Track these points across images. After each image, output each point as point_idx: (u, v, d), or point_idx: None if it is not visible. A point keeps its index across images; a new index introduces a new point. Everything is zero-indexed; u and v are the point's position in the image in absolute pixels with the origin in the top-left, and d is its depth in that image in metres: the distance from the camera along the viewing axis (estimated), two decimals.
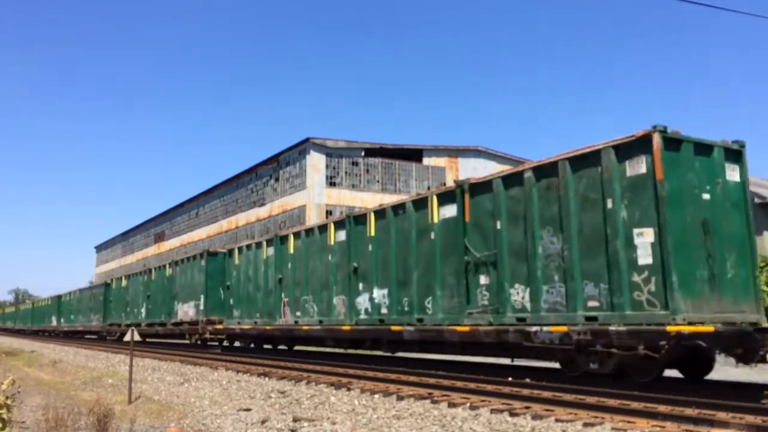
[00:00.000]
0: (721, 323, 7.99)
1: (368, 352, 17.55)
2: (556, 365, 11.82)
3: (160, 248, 65.65)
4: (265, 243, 18.27)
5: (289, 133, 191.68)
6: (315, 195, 41.73)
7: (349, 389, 10.79)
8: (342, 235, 14.57)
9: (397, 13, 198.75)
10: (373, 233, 13.52)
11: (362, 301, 13.71)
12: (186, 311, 23.69)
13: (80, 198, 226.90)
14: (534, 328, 9.35)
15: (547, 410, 7.82)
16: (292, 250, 16.72)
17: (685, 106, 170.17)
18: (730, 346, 8.37)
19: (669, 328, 7.62)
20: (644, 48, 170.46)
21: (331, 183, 42.69)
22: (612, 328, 8.29)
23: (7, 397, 6.05)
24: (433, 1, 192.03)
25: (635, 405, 7.50)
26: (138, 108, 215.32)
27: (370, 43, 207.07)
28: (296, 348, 20.64)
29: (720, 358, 9.92)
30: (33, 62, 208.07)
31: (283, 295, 16.91)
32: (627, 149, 8.52)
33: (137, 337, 12.72)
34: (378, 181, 44.26)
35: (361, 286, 13.81)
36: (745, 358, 8.45)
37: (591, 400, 8.07)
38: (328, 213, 40.11)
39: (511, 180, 10.24)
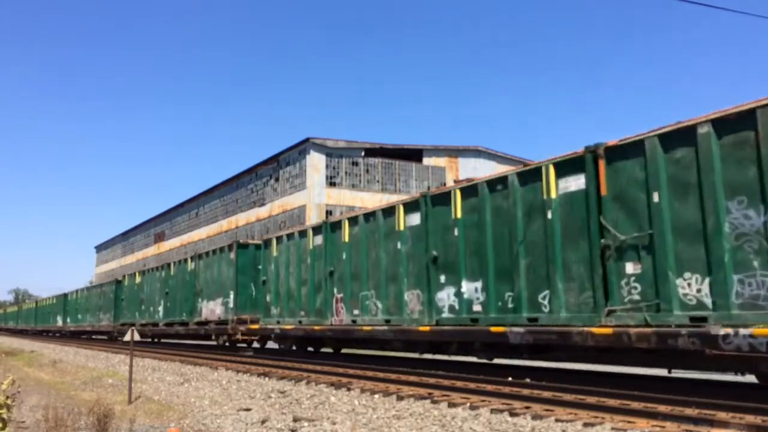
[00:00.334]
0: None
1: (371, 352, 17.42)
2: (558, 365, 11.81)
3: (160, 248, 65.67)
4: (311, 231, 16.02)
5: (289, 133, 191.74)
6: (315, 195, 41.73)
7: (349, 389, 10.79)
8: (415, 219, 12.39)
9: (397, 13, 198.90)
10: (459, 215, 11.29)
11: (445, 297, 11.52)
12: (212, 309, 21.62)
13: (80, 198, 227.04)
14: (724, 331, 7.21)
15: (547, 410, 7.81)
16: (346, 238, 14.46)
17: (685, 105, 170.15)
18: None
19: None
20: (644, 48, 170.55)
21: (331, 183, 42.69)
22: None
23: (7, 397, 6.05)
24: (433, 1, 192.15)
25: (635, 405, 7.49)
26: (138, 108, 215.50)
27: (370, 43, 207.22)
28: (355, 352, 17.99)
29: None
30: (33, 62, 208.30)
31: (335, 291, 14.80)
32: None
33: (137, 337, 12.71)
34: (378, 181, 44.27)
35: (443, 278, 11.59)
36: None
37: (591, 400, 8.06)
38: (328, 213, 40.11)
39: (676, 139, 8.00)
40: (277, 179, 45.84)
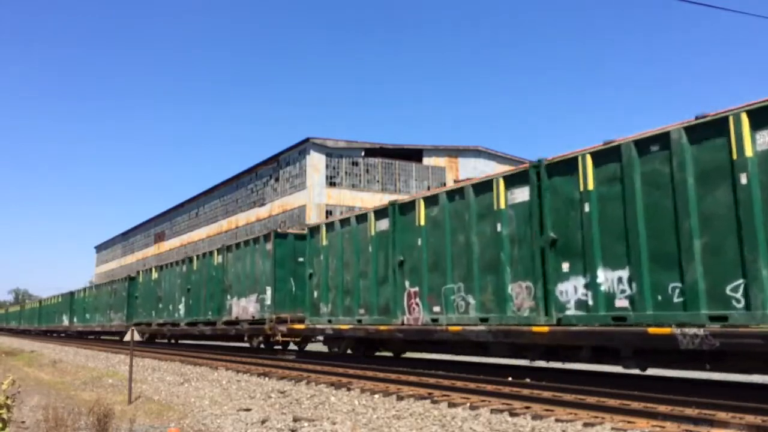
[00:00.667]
0: None
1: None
2: (558, 365, 11.78)
3: (160, 248, 65.67)
4: (372, 215, 13.84)
5: (289, 133, 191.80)
6: (315, 195, 41.74)
7: (349, 389, 10.79)
8: (522, 194, 10.17)
9: (397, 13, 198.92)
10: (590, 185, 9.10)
11: (570, 290, 9.37)
12: (244, 307, 19.43)
13: (80, 198, 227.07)
14: None
15: (547, 410, 7.82)
16: (422, 221, 12.32)
17: (685, 105, 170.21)
18: None
19: None
20: (644, 48, 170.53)
21: (331, 183, 42.70)
22: None
23: (7, 397, 6.05)
24: (433, 1, 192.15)
25: (635, 405, 7.50)
26: (138, 108, 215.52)
27: (370, 43, 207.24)
28: (434, 357, 15.33)
29: None
30: (33, 62, 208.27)
31: (407, 284, 12.62)
32: None
33: (137, 337, 12.72)
34: (378, 181, 44.27)
35: (566, 266, 9.46)
36: None
37: (591, 400, 8.07)
38: (328, 213, 40.14)
39: None
40: (277, 179, 45.84)
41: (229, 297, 20.59)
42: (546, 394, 8.75)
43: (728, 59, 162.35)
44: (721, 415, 6.69)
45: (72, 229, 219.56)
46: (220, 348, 25.64)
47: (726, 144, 7.55)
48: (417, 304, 12.37)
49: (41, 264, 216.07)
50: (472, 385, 10.03)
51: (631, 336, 8.27)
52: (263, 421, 8.45)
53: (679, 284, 7.92)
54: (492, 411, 8.08)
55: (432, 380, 10.90)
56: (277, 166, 45.84)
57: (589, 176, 9.14)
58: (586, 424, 6.95)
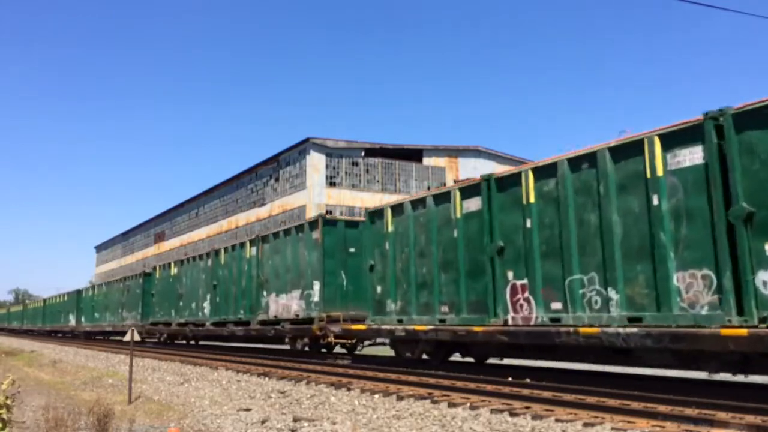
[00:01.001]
0: None
1: (374, 353, 17.10)
2: (558, 365, 11.76)
3: (160, 248, 65.68)
4: (458, 194, 11.60)
5: (289, 133, 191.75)
6: (315, 195, 41.74)
7: (349, 389, 10.79)
8: (691, 156, 7.98)
9: (397, 13, 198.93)
10: None
11: None
12: (285, 305, 17.24)
13: (80, 198, 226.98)
14: None
15: (547, 410, 7.82)
16: (531, 199, 10.07)
17: (685, 105, 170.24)
18: None
19: None
20: (644, 48, 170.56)
21: (331, 183, 42.70)
22: None
23: (7, 397, 6.05)
24: (433, 1, 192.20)
25: (635, 405, 7.50)
26: (138, 108, 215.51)
27: (370, 43, 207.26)
28: (552, 365, 12.20)
29: None
30: (33, 62, 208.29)
31: (510, 276, 10.38)
32: None
33: (137, 337, 12.70)
34: (378, 181, 44.27)
35: None
36: None
37: (591, 400, 8.07)
38: (328, 213, 40.15)
39: None
40: (277, 179, 45.85)
41: (265, 293, 18.44)
42: (546, 394, 8.75)
43: (728, 59, 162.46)
44: (721, 415, 6.69)
45: (72, 229, 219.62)
46: (252, 351, 23.48)
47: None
48: (526, 300, 10.08)
49: (41, 264, 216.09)
50: (472, 385, 10.03)
51: None
52: (263, 421, 8.46)
53: None
54: (492, 411, 8.08)
55: (432, 380, 10.89)
56: (277, 166, 45.85)
57: None
58: (586, 424, 6.95)
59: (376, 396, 10.01)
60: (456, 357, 13.41)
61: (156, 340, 29.19)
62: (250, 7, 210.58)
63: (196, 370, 16.34)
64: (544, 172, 9.95)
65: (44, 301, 55.33)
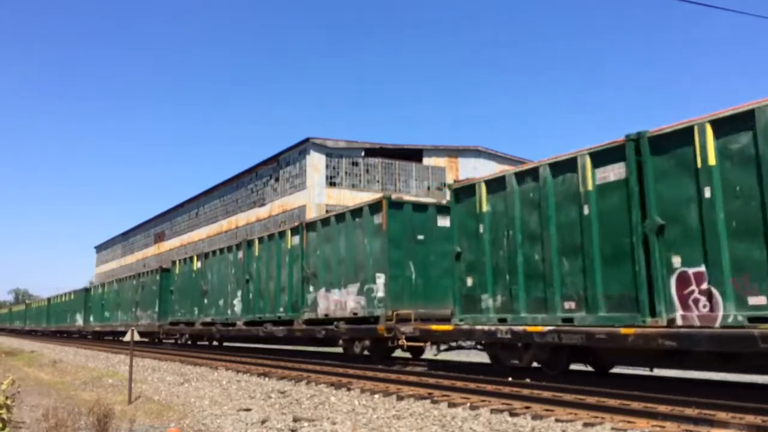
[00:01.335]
0: None
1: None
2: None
3: (160, 248, 65.68)
4: (587, 160, 9.43)
5: (289, 133, 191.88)
6: (315, 195, 41.74)
7: (349, 389, 10.79)
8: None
9: (397, 13, 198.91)
10: None
11: None
12: (339, 301, 15.17)
13: (80, 198, 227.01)
14: None
15: (547, 410, 7.82)
16: (711, 159, 7.93)
17: (685, 105, 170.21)
18: None
19: None
20: (644, 48, 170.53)
21: (331, 183, 42.70)
22: None
23: (7, 397, 6.05)
24: (433, 1, 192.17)
25: (635, 405, 7.50)
26: (138, 108, 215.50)
27: (370, 43, 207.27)
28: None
29: None
30: (33, 62, 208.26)
31: (675, 262, 8.27)
32: None
33: (137, 337, 12.70)
34: (378, 181, 44.27)
35: None
36: None
37: (591, 400, 8.07)
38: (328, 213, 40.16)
39: None
40: (277, 179, 45.85)
41: (312, 288, 16.26)
42: (546, 394, 8.75)
43: (728, 59, 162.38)
44: (721, 415, 6.69)
45: (72, 229, 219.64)
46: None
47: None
48: (705, 294, 7.92)
49: (41, 264, 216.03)
50: (472, 385, 10.03)
51: None
52: (263, 421, 8.45)
53: None
54: (492, 411, 8.08)
55: (432, 380, 10.90)
56: (277, 166, 45.84)
57: None
58: (586, 424, 6.95)
59: (376, 396, 10.01)
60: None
61: (175, 341, 27.01)
62: (250, 7, 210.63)
63: (196, 370, 16.34)
64: (732, 124, 7.71)
65: (48, 300, 53.19)
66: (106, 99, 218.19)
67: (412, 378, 11.45)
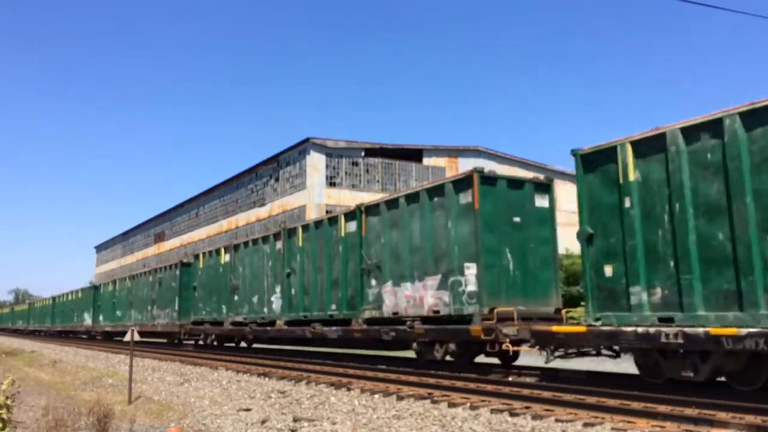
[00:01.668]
0: None
1: (369, 352, 16.94)
2: (558, 366, 11.68)
3: (160, 248, 65.68)
4: None
5: (289, 133, 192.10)
6: (315, 195, 41.74)
7: (349, 389, 10.79)
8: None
9: (397, 13, 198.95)
10: None
11: None
12: (413, 297, 12.81)
13: (80, 198, 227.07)
14: None
15: (547, 410, 7.82)
16: None
17: (685, 105, 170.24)
18: None
19: None
20: (644, 48, 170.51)
21: (331, 183, 42.70)
22: None
23: (7, 397, 6.05)
24: (433, 1, 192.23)
25: (635, 405, 7.50)
26: (138, 108, 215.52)
27: (370, 43, 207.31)
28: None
29: None
30: (33, 62, 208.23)
31: None
32: None
33: (137, 337, 12.70)
34: (378, 181, 44.27)
35: None
36: None
37: (591, 400, 8.07)
38: (328, 213, 40.16)
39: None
40: (277, 179, 45.84)
41: (374, 282, 14.05)
42: (546, 394, 8.75)
43: (728, 59, 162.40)
44: (721, 415, 6.69)
45: (72, 229, 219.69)
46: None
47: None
48: None
49: (41, 264, 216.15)
50: (472, 385, 10.03)
51: None
52: (263, 421, 8.46)
53: None
54: (492, 411, 8.08)
55: (432, 380, 10.89)
56: (277, 166, 45.84)
57: None
58: (586, 424, 6.95)
59: (376, 396, 10.01)
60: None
61: (196, 342, 24.94)
62: (250, 7, 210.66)
63: (196, 370, 16.34)
64: None
65: (53, 298, 50.78)
66: (106, 99, 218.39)
67: (412, 378, 11.45)
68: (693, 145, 8.25)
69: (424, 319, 12.43)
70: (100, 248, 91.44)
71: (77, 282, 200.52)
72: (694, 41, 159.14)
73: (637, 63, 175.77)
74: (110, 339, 35.41)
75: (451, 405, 8.77)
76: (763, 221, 7.47)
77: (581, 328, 9.35)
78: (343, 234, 15.29)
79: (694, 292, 8.05)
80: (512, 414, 7.85)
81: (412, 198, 13.20)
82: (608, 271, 9.21)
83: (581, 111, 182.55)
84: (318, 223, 16.56)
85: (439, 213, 12.40)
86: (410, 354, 14.26)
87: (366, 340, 14.76)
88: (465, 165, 46.96)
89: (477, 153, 48.46)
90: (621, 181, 9.06)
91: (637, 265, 8.74)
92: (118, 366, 19.15)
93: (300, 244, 17.20)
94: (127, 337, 12.52)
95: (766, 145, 7.51)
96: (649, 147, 8.78)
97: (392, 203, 13.81)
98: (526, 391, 9.08)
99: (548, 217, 12.36)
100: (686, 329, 7.82)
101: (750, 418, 6.50)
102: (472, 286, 11.49)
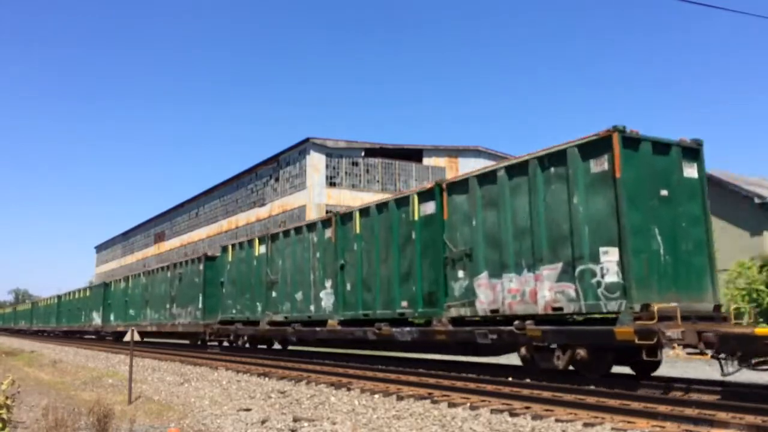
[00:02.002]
0: None
1: (368, 352, 16.91)
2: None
3: (160, 248, 65.68)
4: None
5: (289, 133, 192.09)
6: (315, 195, 41.74)
7: (349, 389, 10.79)
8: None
9: (397, 13, 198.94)
10: None
11: None
12: (520, 291, 10.41)
13: (80, 198, 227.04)
14: None
15: (547, 410, 7.82)
16: None
17: (685, 105, 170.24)
18: None
19: None
20: (644, 48, 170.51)
21: (331, 183, 42.70)
22: None
23: (7, 397, 6.05)
24: (433, 1, 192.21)
25: (635, 405, 7.50)
26: (138, 108, 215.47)
27: (370, 43, 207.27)
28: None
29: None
30: (33, 62, 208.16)
31: None
32: None
33: (136, 337, 12.68)
34: (378, 181, 44.27)
35: None
36: None
37: (591, 400, 8.07)
38: (328, 213, 40.15)
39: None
40: (277, 179, 45.84)
41: (461, 274, 11.58)
42: (546, 394, 8.75)
43: (728, 59, 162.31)
44: (721, 415, 6.69)
45: (72, 229, 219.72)
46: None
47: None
48: None
49: (41, 264, 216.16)
50: (472, 385, 10.03)
51: None
52: (263, 421, 8.46)
53: None
54: (492, 411, 8.08)
55: (432, 380, 10.89)
56: (277, 166, 45.83)
57: None
58: (586, 424, 6.95)
59: (376, 396, 10.01)
60: None
61: (221, 343, 22.31)
62: (250, 7, 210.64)
63: (196, 370, 16.34)
64: None
65: (59, 297, 48.07)
66: (106, 99, 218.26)
67: (412, 378, 11.45)
68: None
69: (537, 319, 10.13)
70: (100, 248, 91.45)
71: (77, 282, 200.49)
72: (694, 41, 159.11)
73: (637, 63, 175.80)
74: (121, 340, 32.90)
75: (451, 405, 8.76)
76: None
77: None
78: (416, 217, 12.83)
79: None
80: (512, 414, 7.85)
81: (517, 169, 10.67)
82: None
83: (581, 111, 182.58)
84: (381, 206, 14.05)
85: (558, 186, 9.91)
86: (506, 360, 12.44)
87: (452, 344, 12.20)
88: (465, 165, 46.95)
89: (477, 153, 48.46)
90: None
91: None
92: (118, 366, 19.15)
93: (357, 231, 14.63)
94: (127, 337, 12.51)
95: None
96: None
97: (487, 177, 11.35)
98: (526, 391, 9.08)
99: (699, 190, 9.94)
100: None
101: (750, 418, 6.50)
102: (612, 277, 9.01)
